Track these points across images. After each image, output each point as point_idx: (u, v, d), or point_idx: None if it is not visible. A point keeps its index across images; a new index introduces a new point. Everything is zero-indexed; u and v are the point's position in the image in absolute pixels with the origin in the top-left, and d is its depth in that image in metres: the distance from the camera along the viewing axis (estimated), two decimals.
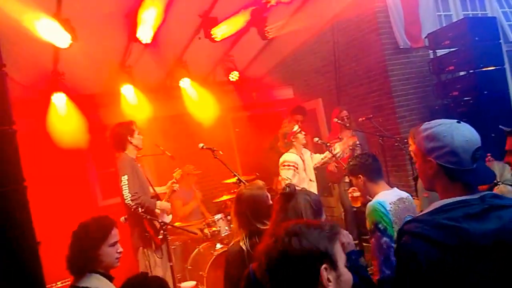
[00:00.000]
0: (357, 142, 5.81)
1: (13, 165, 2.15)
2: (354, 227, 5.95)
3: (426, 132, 1.76)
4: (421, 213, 1.78)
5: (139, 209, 4.06)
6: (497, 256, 1.59)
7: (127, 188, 4.30)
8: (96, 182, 6.55)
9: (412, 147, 4.01)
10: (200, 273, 5.17)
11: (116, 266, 2.63)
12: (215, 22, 5.28)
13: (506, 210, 1.64)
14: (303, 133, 5.25)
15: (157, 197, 4.85)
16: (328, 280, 1.42)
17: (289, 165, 5.14)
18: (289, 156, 5.20)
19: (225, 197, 5.87)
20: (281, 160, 5.23)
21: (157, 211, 4.59)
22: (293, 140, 5.22)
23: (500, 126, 2.72)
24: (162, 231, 4.08)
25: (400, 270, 1.71)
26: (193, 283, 2.56)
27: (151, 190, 4.84)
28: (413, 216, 2.86)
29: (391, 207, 2.86)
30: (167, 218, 4.77)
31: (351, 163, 3.26)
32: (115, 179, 6.11)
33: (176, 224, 5.29)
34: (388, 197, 2.94)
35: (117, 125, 4.74)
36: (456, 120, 1.74)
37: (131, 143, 4.62)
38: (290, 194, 2.30)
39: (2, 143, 2.03)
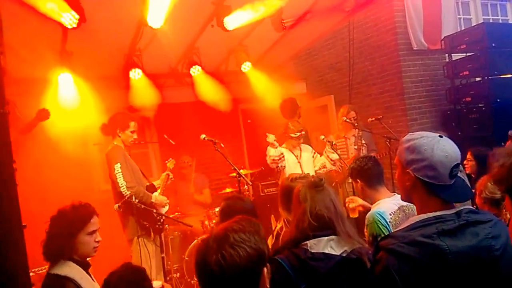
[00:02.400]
0: (364, 142, 5.73)
1: (1, 147, 2.13)
2: None
3: (407, 144, 1.74)
4: (397, 229, 1.76)
5: (134, 198, 4.02)
6: (473, 273, 1.56)
7: (121, 176, 4.27)
8: (98, 165, 6.56)
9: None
10: None
11: (93, 255, 2.61)
12: (229, 11, 5.21)
13: (482, 225, 1.61)
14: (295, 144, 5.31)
15: (152, 187, 4.82)
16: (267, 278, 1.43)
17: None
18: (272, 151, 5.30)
19: (228, 190, 5.85)
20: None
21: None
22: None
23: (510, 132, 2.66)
24: (159, 222, 4.04)
25: (375, 286, 1.69)
26: (159, 283, 2.52)
27: (146, 181, 4.81)
28: None
29: (391, 217, 2.79)
30: (163, 210, 4.76)
31: (351, 166, 3.21)
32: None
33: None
34: (388, 206, 2.87)
35: (118, 113, 4.73)
36: (438, 134, 1.72)
37: (119, 136, 4.58)
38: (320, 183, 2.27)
39: None
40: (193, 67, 6.20)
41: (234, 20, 5.17)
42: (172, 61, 6.60)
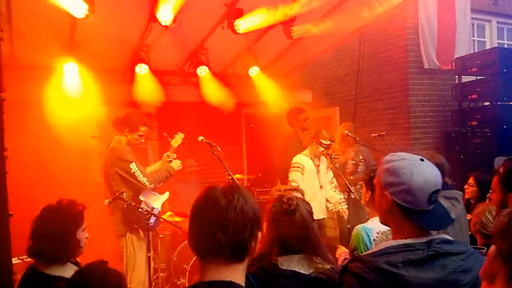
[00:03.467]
0: (361, 158, 5.67)
1: None
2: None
3: (387, 165, 1.69)
4: (367, 253, 1.72)
5: (122, 195, 3.95)
6: None
7: (140, 173, 4.28)
8: (95, 158, 6.52)
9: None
10: (184, 266, 5.11)
11: (83, 251, 2.54)
12: (240, 14, 5.18)
13: (453, 257, 1.57)
14: (322, 149, 5.13)
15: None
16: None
17: (298, 166, 5.15)
18: (299, 158, 5.21)
19: None
20: (292, 161, 5.23)
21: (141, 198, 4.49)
22: (314, 143, 5.16)
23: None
24: (147, 221, 3.98)
25: None
26: None
27: None
28: None
29: (377, 236, 2.75)
30: (161, 197, 4.71)
31: (370, 174, 3.13)
32: None
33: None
34: (379, 225, 2.80)
35: (130, 113, 4.61)
36: (420, 157, 1.67)
37: (126, 136, 4.49)
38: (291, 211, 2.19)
39: None
40: (200, 67, 6.16)
41: (245, 24, 5.14)
42: (179, 60, 6.57)
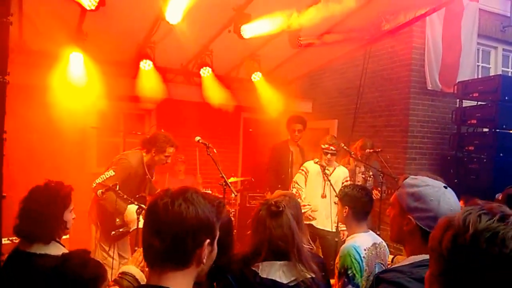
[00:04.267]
0: (371, 174, 5.68)
1: None
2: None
3: (412, 189, 1.72)
4: (400, 264, 1.73)
5: (115, 186, 3.92)
6: None
7: (104, 178, 4.19)
8: (94, 148, 6.54)
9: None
10: None
11: (69, 232, 2.61)
12: (248, 19, 5.21)
13: None
14: (329, 156, 5.14)
15: (142, 199, 4.62)
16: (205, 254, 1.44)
17: (302, 170, 5.32)
18: (307, 163, 5.32)
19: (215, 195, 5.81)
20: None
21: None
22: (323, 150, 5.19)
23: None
24: (113, 232, 3.98)
25: None
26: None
27: (140, 192, 4.75)
28: (383, 263, 2.79)
29: (365, 253, 2.77)
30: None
31: (346, 190, 3.14)
32: (115, 148, 6.13)
33: None
34: (363, 241, 2.85)
35: (163, 134, 4.59)
36: (443, 185, 1.71)
37: (152, 155, 4.50)
38: (279, 212, 2.21)
39: None
40: (204, 68, 6.20)
41: (252, 29, 5.17)
42: (184, 59, 6.60)
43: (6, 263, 2.44)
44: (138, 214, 3.48)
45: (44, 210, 2.41)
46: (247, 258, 2.17)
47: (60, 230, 2.51)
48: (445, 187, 1.70)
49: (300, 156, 6.03)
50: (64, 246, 2.53)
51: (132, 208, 3.95)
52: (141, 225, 4.43)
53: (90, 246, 4.51)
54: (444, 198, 1.66)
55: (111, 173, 4.26)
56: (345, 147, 5.51)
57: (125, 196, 3.89)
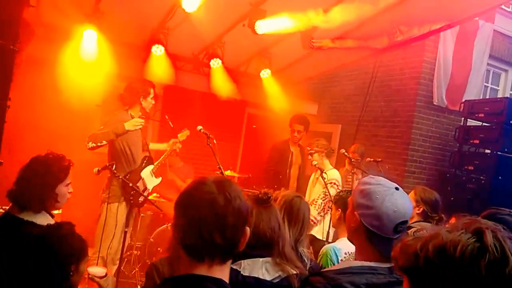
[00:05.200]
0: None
1: (2, 80, 2.14)
2: None
3: (363, 186, 1.74)
4: (331, 268, 1.76)
5: (111, 166, 4.00)
6: None
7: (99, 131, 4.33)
8: (97, 126, 6.53)
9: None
10: (159, 249, 5.16)
11: (62, 207, 2.63)
12: (263, 15, 5.22)
13: None
14: (309, 157, 5.17)
15: (150, 160, 4.81)
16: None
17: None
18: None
19: None
20: None
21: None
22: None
23: None
24: (130, 196, 4.02)
25: None
26: (104, 271, 2.45)
27: (145, 152, 4.83)
28: None
29: (345, 256, 2.80)
30: (155, 181, 4.78)
31: (341, 194, 3.18)
32: None
33: None
34: (347, 245, 2.84)
35: (136, 81, 4.70)
36: (395, 186, 1.72)
37: (140, 103, 4.56)
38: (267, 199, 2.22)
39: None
40: (214, 59, 6.20)
41: (266, 26, 5.18)
42: (195, 48, 6.61)
43: None
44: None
45: (37, 180, 2.44)
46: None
47: (50, 201, 2.52)
48: (397, 189, 1.70)
49: (300, 157, 5.99)
50: (53, 217, 2.56)
51: (132, 121, 4.30)
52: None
53: (86, 223, 4.54)
54: (391, 198, 1.64)
55: (101, 127, 4.37)
56: (345, 153, 5.53)
57: (120, 177, 3.92)
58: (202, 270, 1.36)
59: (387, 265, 1.65)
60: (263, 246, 2.12)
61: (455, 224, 1.07)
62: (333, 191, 4.98)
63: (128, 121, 4.41)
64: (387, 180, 1.75)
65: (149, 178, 4.73)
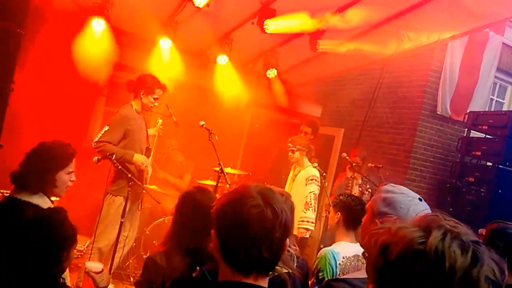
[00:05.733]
0: (368, 187, 5.69)
1: (7, 63, 2.13)
2: None
3: (386, 194, 1.73)
4: (353, 276, 1.74)
5: (113, 157, 4.00)
6: None
7: (100, 135, 4.28)
8: (100, 116, 6.57)
9: None
10: (154, 242, 5.16)
11: (62, 194, 2.65)
12: (273, 14, 5.22)
13: None
14: (290, 154, 5.16)
15: (149, 151, 4.79)
16: None
17: None
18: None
19: (209, 182, 5.83)
20: None
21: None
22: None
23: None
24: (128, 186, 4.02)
25: None
26: (100, 266, 2.46)
27: (146, 144, 4.80)
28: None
29: (342, 261, 2.78)
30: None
31: (340, 197, 3.18)
32: None
33: None
34: (345, 249, 2.86)
35: (148, 75, 4.67)
36: (418, 197, 1.70)
37: (140, 98, 4.53)
38: None
39: (4, 39, 2.02)
40: (221, 55, 6.21)
41: (275, 25, 5.18)
42: (203, 43, 6.60)
43: None
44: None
45: (39, 163, 2.48)
46: None
47: (48, 186, 2.54)
48: (420, 199, 1.68)
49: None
50: (52, 202, 2.56)
51: (141, 158, 4.33)
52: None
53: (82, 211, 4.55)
54: (415, 209, 1.63)
55: (105, 128, 4.32)
56: (346, 157, 5.52)
57: (119, 166, 3.92)
58: (249, 280, 1.34)
59: None
60: None
61: (417, 219, 1.06)
62: (314, 187, 5.04)
63: (132, 119, 4.45)
64: (408, 189, 1.73)
65: (150, 169, 4.72)
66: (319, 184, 5.08)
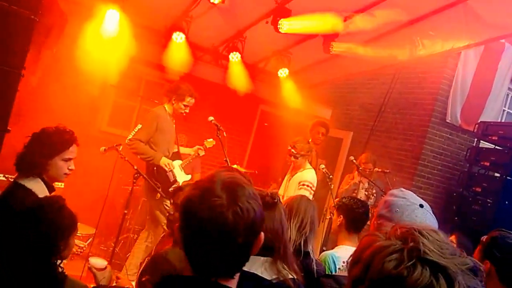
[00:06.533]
0: (374, 192, 5.67)
1: (18, 49, 2.14)
2: None
3: (389, 198, 1.75)
4: (342, 274, 1.75)
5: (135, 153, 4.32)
6: None
7: (133, 133, 4.57)
8: (109, 106, 6.61)
9: None
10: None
11: (61, 181, 2.66)
12: (288, 14, 5.21)
13: None
14: (293, 158, 5.08)
15: (176, 154, 5.04)
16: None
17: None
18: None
19: None
20: None
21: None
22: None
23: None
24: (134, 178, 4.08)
25: None
26: (104, 264, 2.45)
27: (174, 148, 5.11)
28: None
29: (342, 265, 2.76)
30: (185, 177, 5.03)
31: (343, 200, 3.17)
32: (129, 111, 6.18)
33: None
34: (346, 253, 2.81)
35: (183, 83, 4.98)
36: (420, 203, 1.69)
37: (172, 104, 4.82)
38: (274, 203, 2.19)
39: (18, 25, 2.03)
40: (234, 53, 6.20)
41: (289, 25, 5.16)
42: (216, 39, 6.61)
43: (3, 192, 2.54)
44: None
45: (35, 147, 2.48)
46: None
47: (38, 169, 2.51)
48: (421, 206, 1.67)
49: (315, 159, 6.04)
50: (51, 189, 2.57)
51: (166, 161, 4.63)
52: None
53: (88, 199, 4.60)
54: (411, 214, 1.62)
55: (139, 126, 4.60)
56: (354, 161, 5.50)
57: (126, 158, 4.00)
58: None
59: None
60: (264, 248, 2.11)
61: (392, 232, 1.03)
62: (305, 193, 4.82)
63: (164, 118, 4.76)
64: (415, 195, 1.72)
65: (178, 171, 4.93)
66: (313, 191, 4.96)
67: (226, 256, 1.19)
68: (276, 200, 2.15)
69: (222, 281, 1.22)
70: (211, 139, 5.25)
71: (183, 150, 5.34)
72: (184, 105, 4.80)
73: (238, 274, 1.28)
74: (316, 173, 5.15)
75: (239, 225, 1.16)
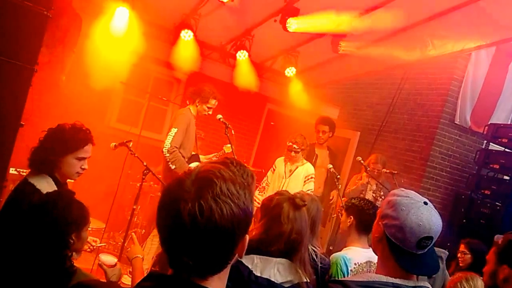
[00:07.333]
0: (382, 194, 5.63)
1: (31, 45, 2.11)
2: None
3: (391, 197, 1.71)
4: (351, 279, 1.72)
5: (170, 163, 4.35)
6: None
7: (171, 139, 4.55)
8: (118, 103, 6.61)
9: None
10: None
11: (74, 179, 2.61)
12: (296, 13, 5.18)
13: None
14: (293, 153, 5.15)
15: (195, 157, 5.04)
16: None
17: (273, 165, 5.45)
18: (278, 159, 5.44)
19: None
20: None
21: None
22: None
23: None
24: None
25: None
26: (114, 260, 2.43)
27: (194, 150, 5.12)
28: None
29: (354, 267, 2.75)
30: None
31: (353, 200, 3.14)
32: (138, 108, 6.18)
33: None
34: (357, 255, 2.82)
35: (207, 85, 5.01)
36: (424, 200, 1.66)
37: (196, 106, 4.87)
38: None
39: (31, 21, 2.00)
40: (241, 51, 6.20)
41: (298, 24, 5.14)
42: (224, 37, 6.60)
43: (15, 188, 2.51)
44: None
45: (48, 143, 2.44)
46: (254, 246, 2.09)
47: (50, 168, 2.48)
48: (425, 203, 1.65)
49: (328, 159, 6.05)
50: (62, 184, 2.54)
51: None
52: None
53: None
54: (416, 211, 1.60)
55: (174, 130, 4.61)
56: (362, 161, 5.46)
57: (136, 154, 3.99)
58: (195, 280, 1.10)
59: (412, 283, 1.61)
60: (290, 252, 2.11)
61: None
62: (312, 186, 5.16)
63: (191, 120, 4.81)
64: (417, 194, 1.70)
65: None
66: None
67: (190, 259, 1.06)
68: (305, 203, 2.17)
69: (197, 281, 1.09)
70: (229, 145, 5.25)
71: (207, 156, 5.40)
72: (208, 107, 4.87)
73: (223, 274, 1.14)
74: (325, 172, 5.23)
75: (199, 225, 1.02)
